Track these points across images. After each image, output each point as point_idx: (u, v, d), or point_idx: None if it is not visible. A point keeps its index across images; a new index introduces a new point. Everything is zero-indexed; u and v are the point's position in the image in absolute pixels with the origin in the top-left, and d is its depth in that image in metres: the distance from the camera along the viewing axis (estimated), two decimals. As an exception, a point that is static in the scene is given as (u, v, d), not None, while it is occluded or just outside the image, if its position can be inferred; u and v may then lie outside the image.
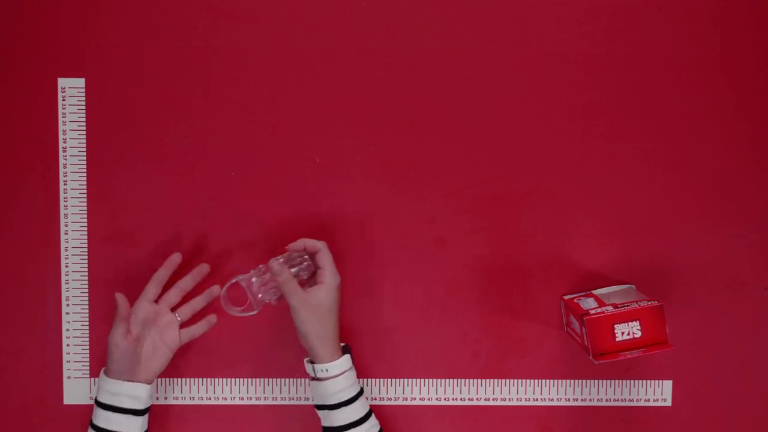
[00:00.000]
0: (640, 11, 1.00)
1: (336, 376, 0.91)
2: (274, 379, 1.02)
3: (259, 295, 0.93)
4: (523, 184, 1.01)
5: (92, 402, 1.01)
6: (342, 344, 0.95)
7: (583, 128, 1.01)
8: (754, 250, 1.02)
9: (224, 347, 1.02)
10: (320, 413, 0.93)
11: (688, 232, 1.02)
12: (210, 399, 1.02)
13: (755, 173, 1.01)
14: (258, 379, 1.02)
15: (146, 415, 0.93)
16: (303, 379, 1.02)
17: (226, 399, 1.03)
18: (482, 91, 1.00)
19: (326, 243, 0.93)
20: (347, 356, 0.92)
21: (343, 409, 0.91)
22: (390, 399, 1.03)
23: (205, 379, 1.02)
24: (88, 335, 1.01)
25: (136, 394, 0.91)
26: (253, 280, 0.92)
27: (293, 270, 0.92)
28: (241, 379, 1.02)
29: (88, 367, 1.01)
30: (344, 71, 1.00)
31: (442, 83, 1.00)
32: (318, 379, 0.92)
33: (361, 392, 0.93)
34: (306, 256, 0.93)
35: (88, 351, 1.01)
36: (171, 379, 1.01)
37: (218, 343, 1.02)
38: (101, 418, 0.91)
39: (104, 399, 0.91)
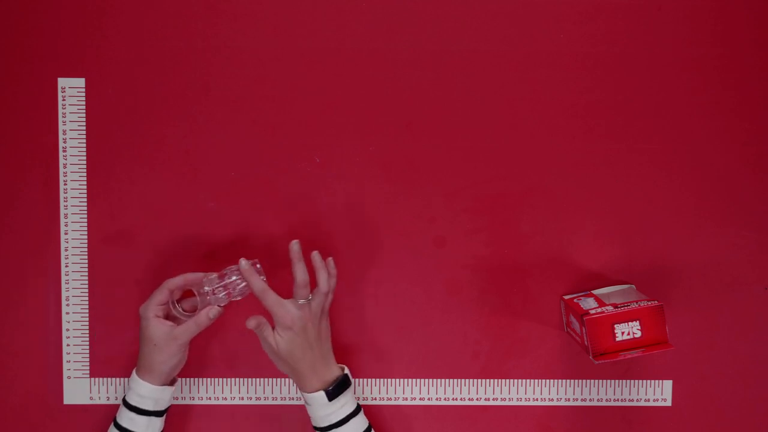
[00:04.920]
0: (640, 11, 1.00)
1: (311, 405, 0.91)
2: (274, 379, 1.02)
3: (209, 297, 0.92)
4: (523, 184, 1.01)
5: (92, 402, 1.02)
6: (340, 367, 0.94)
7: (583, 128, 1.01)
8: (754, 250, 1.02)
9: (224, 347, 1.02)
10: None
11: (688, 232, 1.02)
12: (210, 399, 1.02)
13: (755, 173, 1.01)
14: (258, 379, 1.02)
15: (165, 416, 0.95)
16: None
17: (226, 399, 1.03)
18: (482, 91, 1.00)
19: (304, 273, 0.90)
20: (320, 394, 0.90)
21: (335, 430, 0.91)
22: (390, 399, 1.03)
23: (205, 379, 1.02)
24: (88, 335, 1.01)
25: (161, 396, 0.92)
26: (206, 289, 0.91)
27: (223, 294, 0.91)
28: (241, 379, 1.02)
29: (88, 367, 1.02)
30: (344, 71, 1.00)
31: (443, 83, 1.00)
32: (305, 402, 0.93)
33: (354, 413, 0.92)
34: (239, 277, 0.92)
35: (88, 351, 1.01)
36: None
37: (218, 343, 1.02)
38: (125, 418, 0.92)
39: (132, 401, 0.92)
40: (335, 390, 0.91)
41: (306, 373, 0.91)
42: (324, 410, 0.91)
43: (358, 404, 0.94)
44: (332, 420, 0.91)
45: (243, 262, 0.89)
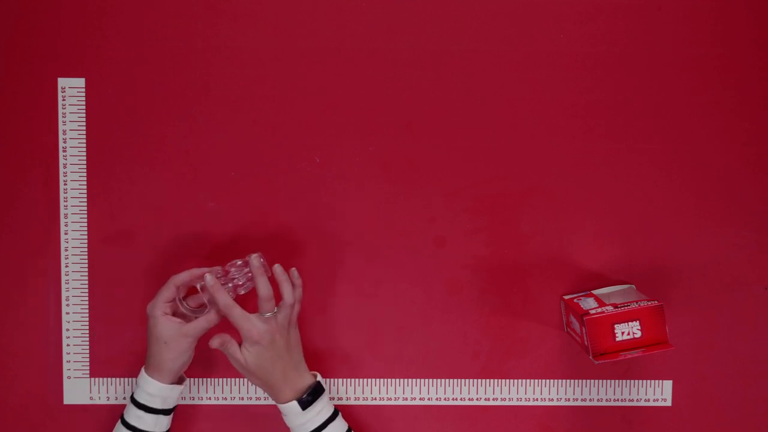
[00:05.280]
0: (640, 11, 1.00)
1: (287, 415, 0.92)
2: (274, 379, 1.02)
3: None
4: (523, 184, 1.01)
5: (92, 402, 1.02)
6: (312, 374, 0.94)
7: (583, 128, 1.01)
8: (754, 250, 1.02)
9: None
10: None
11: (688, 232, 1.02)
12: (210, 399, 1.03)
13: (755, 173, 1.01)
14: (258, 379, 1.02)
15: (172, 414, 0.95)
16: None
17: (226, 399, 1.03)
18: (482, 91, 1.00)
19: (267, 287, 0.89)
20: (293, 404, 0.90)
21: None
22: (390, 399, 1.03)
23: (205, 379, 1.02)
24: (88, 335, 1.01)
25: (170, 395, 0.92)
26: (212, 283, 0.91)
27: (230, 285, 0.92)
28: (241, 379, 1.02)
29: (88, 367, 1.02)
30: (344, 71, 1.00)
31: (443, 83, 1.00)
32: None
33: (331, 418, 0.92)
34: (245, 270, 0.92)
35: (88, 351, 1.01)
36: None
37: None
38: (133, 416, 0.92)
39: (141, 398, 0.92)
40: (309, 398, 0.91)
41: (278, 385, 0.91)
42: (299, 419, 0.91)
43: (335, 409, 0.93)
44: (309, 428, 0.91)
45: (208, 277, 0.89)
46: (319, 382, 0.93)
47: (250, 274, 0.91)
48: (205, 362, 1.02)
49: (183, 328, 0.90)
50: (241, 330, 0.89)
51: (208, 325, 0.91)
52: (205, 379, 1.02)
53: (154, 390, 0.91)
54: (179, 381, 0.95)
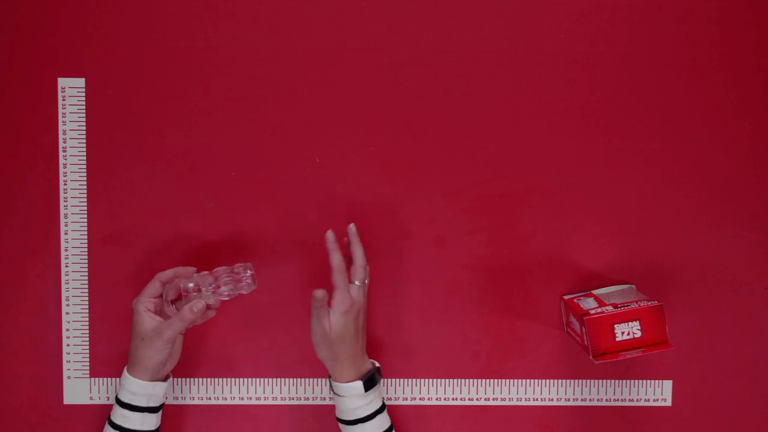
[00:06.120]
0: (640, 11, 1.00)
1: (344, 396, 0.91)
2: (275, 379, 1.02)
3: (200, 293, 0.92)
4: (523, 184, 1.01)
5: (92, 402, 1.02)
6: (371, 362, 0.94)
7: (583, 128, 1.01)
8: (754, 250, 1.02)
9: (224, 347, 1.02)
10: (340, 425, 0.94)
11: (688, 232, 1.02)
12: (210, 399, 1.03)
13: (755, 173, 1.01)
14: (258, 379, 1.02)
15: (160, 412, 0.95)
16: (303, 379, 1.02)
17: (226, 399, 1.03)
18: (482, 91, 1.00)
19: (342, 261, 0.91)
20: (358, 383, 0.90)
21: (361, 425, 0.91)
22: (390, 399, 1.03)
23: (205, 379, 1.02)
24: (88, 335, 1.01)
25: (153, 392, 0.92)
26: (191, 285, 0.92)
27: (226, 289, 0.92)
28: (241, 379, 1.02)
29: (88, 367, 1.02)
30: (344, 71, 1.00)
31: (443, 83, 1.00)
32: (335, 393, 0.92)
33: (380, 410, 0.93)
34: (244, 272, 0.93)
35: (88, 351, 1.01)
36: (171, 378, 1.01)
37: (218, 343, 1.02)
38: (119, 416, 0.92)
39: (124, 398, 0.92)
40: (368, 383, 0.91)
41: (345, 362, 0.91)
42: (356, 402, 0.90)
43: (383, 402, 0.94)
44: (359, 414, 0.91)
45: (329, 234, 0.91)
46: (378, 368, 0.93)
47: (233, 282, 0.92)
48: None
49: (159, 327, 0.90)
50: (337, 296, 0.89)
51: (182, 323, 0.90)
52: (204, 379, 1.02)
53: (136, 388, 0.91)
54: (164, 379, 0.94)
